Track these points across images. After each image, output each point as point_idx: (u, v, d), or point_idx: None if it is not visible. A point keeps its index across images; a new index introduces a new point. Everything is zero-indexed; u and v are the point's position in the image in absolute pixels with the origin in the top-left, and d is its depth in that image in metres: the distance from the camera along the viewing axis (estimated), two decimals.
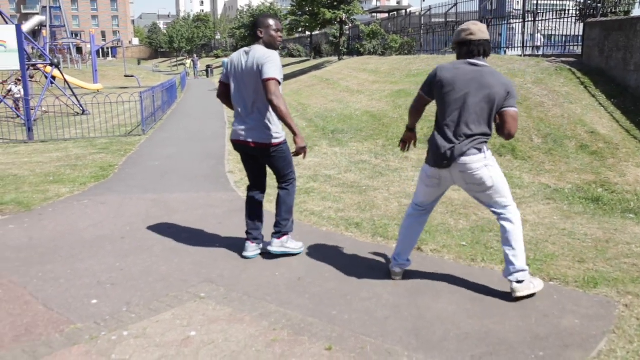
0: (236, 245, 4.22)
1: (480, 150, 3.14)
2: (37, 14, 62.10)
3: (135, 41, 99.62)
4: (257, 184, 4.06)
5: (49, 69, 16.50)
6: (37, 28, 47.36)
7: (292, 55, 35.01)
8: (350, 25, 26.40)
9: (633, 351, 2.68)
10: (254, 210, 4.05)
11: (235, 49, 46.16)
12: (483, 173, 3.15)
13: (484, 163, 3.14)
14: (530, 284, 3.24)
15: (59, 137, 10.63)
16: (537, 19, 13.71)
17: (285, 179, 3.94)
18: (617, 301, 3.22)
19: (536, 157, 7.16)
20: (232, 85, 3.80)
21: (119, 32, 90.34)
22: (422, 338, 2.84)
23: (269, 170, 4.04)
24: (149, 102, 12.37)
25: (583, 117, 7.96)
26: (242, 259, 3.98)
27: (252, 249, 4.01)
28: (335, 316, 3.08)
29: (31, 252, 4.15)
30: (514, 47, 14.72)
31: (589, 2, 12.60)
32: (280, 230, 3.97)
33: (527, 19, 13.91)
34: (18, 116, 13.65)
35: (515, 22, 14.89)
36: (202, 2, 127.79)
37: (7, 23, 13.28)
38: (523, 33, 13.89)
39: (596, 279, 3.51)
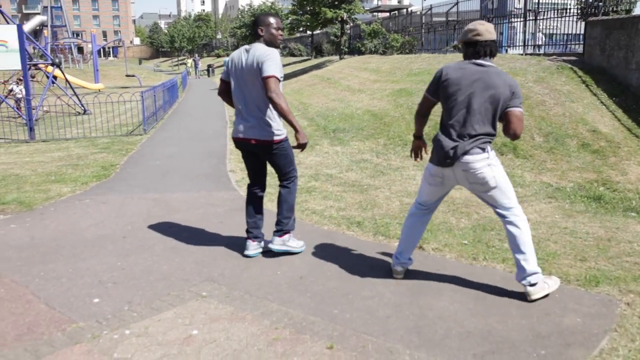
0: (237, 244, 4.23)
1: (483, 149, 3.14)
2: (38, 13, 62.20)
3: (137, 41, 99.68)
4: (257, 182, 4.06)
5: (50, 68, 16.52)
6: (38, 28, 47.44)
7: (293, 55, 35.01)
8: (351, 24, 26.37)
9: (635, 349, 2.68)
10: (254, 209, 4.05)
11: (236, 48, 46.19)
12: (486, 172, 3.14)
13: (487, 162, 3.14)
14: (544, 285, 3.23)
15: (60, 137, 10.64)
16: (538, 17, 13.69)
17: (286, 176, 3.94)
18: (618, 299, 3.22)
19: (537, 155, 7.15)
20: (233, 83, 3.81)
21: (120, 31, 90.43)
22: (424, 336, 2.84)
23: (270, 169, 4.04)
24: (150, 101, 12.38)
25: (584, 116, 7.95)
26: (244, 258, 3.99)
27: (254, 248, 4.02)
28: (337, 315, 3.08)
29: (33, 252, 4.15)
30: (515, 45, 14.70)
31: (591, 0, 12.57)
32: (282, 229, 3.97)
33: (528, 18, 13.89)
34: (19, 116, 13.67)
35: (517, 21, 14.87)
36: (203, 2, 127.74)
37: (8, 23, 13.29)
38: (524, 32, 13.87)
39: (598, 278, 3.51)
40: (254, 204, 4.06)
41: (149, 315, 3.08)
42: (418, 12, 23.47)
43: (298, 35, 36.68)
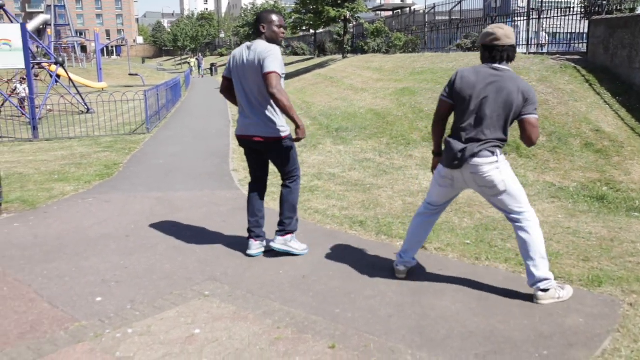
0: (240, 243, 4.23)
1: (492, 153, 3.11)
2: (42, 12, 62.29)
3: (140, 40, 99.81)
4: (259, 181, 4.06)
5: (53, 67, 16.57)
6: (41, 27, 47.54)
7: (296, 54, 35.01)
8: (354, 23, 26.37)
9: (638, 350, 2.67)
10: (256, 208, 4.04)
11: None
12: (494, 176, 3.12)
13: (495, 166, 3.11)
14: (555, 294, 3.19)
15: (63, 136, 10.67)
16: (541, 16, 13.65)
17: (289, 175, 3.93)
18: (621, 300, 3.21)
19: (540, 155, 7.14)
20: (235, 81, 3.81)
21: (123, 30, 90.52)
22: (426, 336, 2.84)
23: (272, 168, 4.04)
24: (154, 100, 12.39)
25: (588, 115, 7.93)
26: (246, 257, 3.99)
27: (256, 247, 4.02)
28: (339, 314, 3.08)
29: (36, 250, 4.17)
30: (519, 44, 14.59)
31: None
32: (284, 229, 3.96)
33: (531, 17, 13.86)
34: (23, 115, 13.71)
35: (520, 20, 14.84)
36: (206, 1, 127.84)
37: (12, 22, 13.32)
38: (528, 31, 13.85)
39: (601, 278, 3.50)
40: (256, 202, 4.05)
41: (152, 314, 3.09)
42: (421, 11, 23.48)
43: (301, 34, 36.66)
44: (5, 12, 14.40)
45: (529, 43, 13.70)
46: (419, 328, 2.92)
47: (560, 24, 13.11)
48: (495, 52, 3.13)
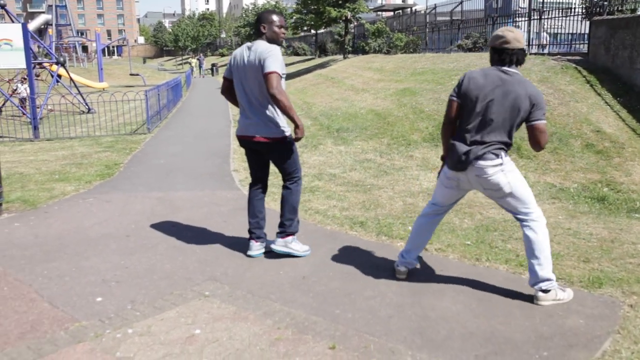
0: (240, 244, 4.23)
1: (497, 155, 3.10)
2: (43, 12, 62.39)
3: (141, 40, 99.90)
4: (259, 181, 4.05)
5: (54, 67, 16.58)
6: (43, 27, 47.60)
7: (297, 54, 35.03)
8: (356, 23, 26.37)
9: (637, 351, 2.67)
10: (256, 209, 4.03)
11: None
12: (499, 178, 3.11)
13: (500, 168, 3.10)
14: (555, 295, 3.18)
15: (64, 136, 10.68)
16: (542, 17, 13.65)
17: (290, 176, 3.93)
18: (622, 301, 3.21)
19: (541, 156, 7.13)
20: (236, 81, 3.80)
21: (124, 30, 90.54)
22: (426, 337, 2.84)
23: (273, 169, 4.04)
24: (154, 100, 12.40)
25: (589, 116, 7.92)
26: (247, 258, 3.99)
27: (256, 248, 4.01)
28: (339, 315, 3.08)
29: (37, 250, 4.17)
30: None
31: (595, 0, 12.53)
32: (285, 230, 3.96)
33: (532, 17, 13.86)
34: (24, 114, 13.72)
35: (521, 20, 14.84)
36: (207, 1, 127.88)
37: (13, 22, 13.34)
38: (529, 31, 13.84)
39: (601, 279, 3.49)
40: (257, 204, 4.05)
41: (152, 314, 3.09)
42: (422, 12, 23.47)
43: (302, 34, 36.67)
44: (7, 11, 14.42)
45: (530, 43, 13.69)
46: (419, 329, 2.92)
47: (561, 25, 13.10)
48: (504, 55, 3.12)
